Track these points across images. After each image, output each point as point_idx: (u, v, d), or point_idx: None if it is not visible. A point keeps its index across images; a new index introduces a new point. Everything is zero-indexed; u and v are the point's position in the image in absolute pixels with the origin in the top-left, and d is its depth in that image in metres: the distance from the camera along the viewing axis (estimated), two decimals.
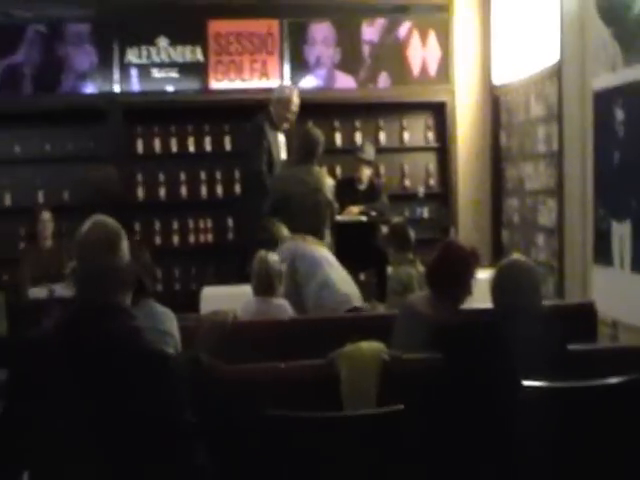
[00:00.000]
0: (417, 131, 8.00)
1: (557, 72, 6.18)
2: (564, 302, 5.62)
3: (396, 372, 3.24)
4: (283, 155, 6.66)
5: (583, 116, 5.81)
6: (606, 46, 5.41)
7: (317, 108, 7.35)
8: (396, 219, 6.19)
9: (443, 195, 7.93)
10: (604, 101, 5.44)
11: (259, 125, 6.56)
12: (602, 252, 5.48)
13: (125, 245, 2.43)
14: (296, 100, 6.64)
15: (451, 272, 3.77)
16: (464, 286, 3.78)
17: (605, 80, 5.42)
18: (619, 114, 5.26)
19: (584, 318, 4.44)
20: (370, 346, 3.34)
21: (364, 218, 6.91)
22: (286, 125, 6.68)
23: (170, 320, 3.50)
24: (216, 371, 3.14)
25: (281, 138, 6.70)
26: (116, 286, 2.39)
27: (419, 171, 8.00)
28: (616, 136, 5.30)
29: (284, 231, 5.58)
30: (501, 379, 3.03)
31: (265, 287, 4.75)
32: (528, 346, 3.17)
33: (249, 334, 4.21)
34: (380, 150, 7.77)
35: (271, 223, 5.69)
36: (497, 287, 3.43)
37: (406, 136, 7.96)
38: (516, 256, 3.68)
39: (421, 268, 5.18)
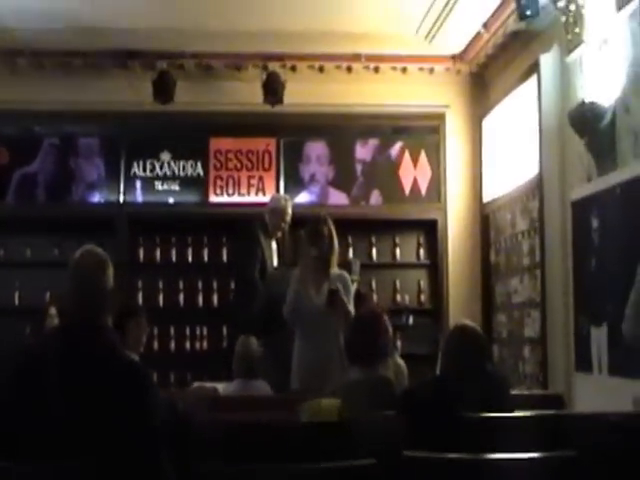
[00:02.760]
0: (409, 248, 8.17)
1: (538, 186, 6.40)
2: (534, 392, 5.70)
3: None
4: (275, 263, 6.83)
5: (563, 227, 5.99)
6: (582, 157, 5.64)
7: None
8: None
9: (434, 311, 8.04)
10: (581, 211, 5.64)
11: (254, 232, 6.75)
12: (582, 359, 5.57)
13: (111, 272, 2.76)
14: (290, 210, 6.86)
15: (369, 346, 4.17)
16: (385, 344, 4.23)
17: (582, 190, 5.63)
18: (594, 222, 5.46)
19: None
20: (329, 401, 3.59)
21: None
22: (279, 234, 6.89)
23: None
24: (190, 417, 3.35)
25: (273, 246, 6.88)
26: (102, 305, 2.71)
27: (411, 287, 8.13)
28: (592, 243, 5.49)
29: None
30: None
31: (246, 369, 4.95)
32: (475, 406, 3.38)
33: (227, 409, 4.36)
34: (372, 266, 7.98)
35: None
36: (446, 352, 3.66)
37: (398, 253, 8.14)
38: (463, 322, 3.89)
39: (399, 360, 5.36)
